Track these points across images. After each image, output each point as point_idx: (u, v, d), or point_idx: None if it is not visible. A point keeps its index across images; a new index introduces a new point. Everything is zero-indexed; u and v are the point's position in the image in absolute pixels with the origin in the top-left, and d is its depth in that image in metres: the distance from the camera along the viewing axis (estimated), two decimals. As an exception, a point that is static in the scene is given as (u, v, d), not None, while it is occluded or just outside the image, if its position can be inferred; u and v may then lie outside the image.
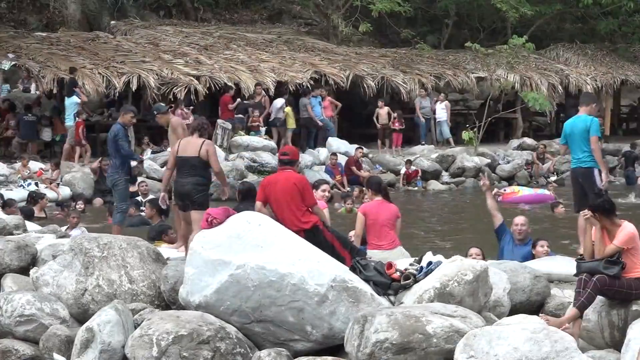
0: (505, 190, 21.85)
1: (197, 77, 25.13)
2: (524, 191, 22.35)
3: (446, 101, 28.55)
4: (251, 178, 20.71)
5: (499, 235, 11.37)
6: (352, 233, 11.35)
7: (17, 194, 18.63)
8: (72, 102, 23.33)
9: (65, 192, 20.23)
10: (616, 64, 33.23)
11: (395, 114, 26.89)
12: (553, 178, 26.21)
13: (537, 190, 23.14)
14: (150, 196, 18.07)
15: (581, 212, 8.30)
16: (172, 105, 23.75)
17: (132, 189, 18.01)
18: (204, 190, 10.86)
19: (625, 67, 33.17)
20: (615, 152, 28.45)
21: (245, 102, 25.51)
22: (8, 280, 9.71)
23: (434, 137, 28.32)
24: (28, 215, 15.56)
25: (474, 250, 11.13)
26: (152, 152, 23.13)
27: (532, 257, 10.95)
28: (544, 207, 20.39)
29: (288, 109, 25.50)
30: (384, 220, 10.90)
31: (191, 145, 10.86)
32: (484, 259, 10.89)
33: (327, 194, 11.73)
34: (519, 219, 11.46)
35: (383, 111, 27.05)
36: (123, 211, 13.10)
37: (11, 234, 11.71)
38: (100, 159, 21.11)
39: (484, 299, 8.40)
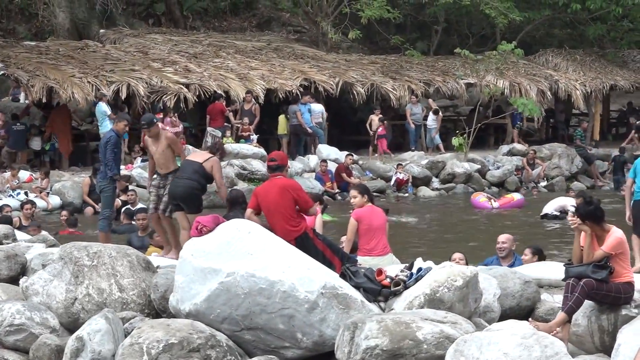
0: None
1: (187, 85, 25.10)
2: (516, 196, 22.53)
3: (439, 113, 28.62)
4: (241, 186, 20.70)
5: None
6: (343, 238, 11.34)
7: (7, 203, 18.55)
8: (100, 110, 22.97)
9: (55, 201, 20.17)
10: (605, 69, 33.31)
11: (378, 119, 26.87)
12: (543, 183, 26.28)
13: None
14: (140, 205, 18.06)
15: (570, 220, 8.25)
16: (162, 113, 23.74)
17: (123, 197, 18.03)
18: (197, 196, 11.34)
19: (614, 72, 33.25)
20: (605, 157, 28.58)
21: (228, 108, 25.53)
22: (-3, 289, 9.69)
23: (424, 144, 28.37)
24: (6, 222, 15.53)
25: (457, 255, 11.12)
26: (142, 161, 23.06)
27: None
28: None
29: (281, 117, 25.64)
30: (378, 225, 10.89)
31: (198, 155, 11.79)
32: (467, 264, 10.88)
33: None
34: (501, 237, 11.39)
35: (376, 118, 27.06)
36: (106, 217, 13.09)
37: (0, 243, 11.67)
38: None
39: (474, 305, 8.41)
